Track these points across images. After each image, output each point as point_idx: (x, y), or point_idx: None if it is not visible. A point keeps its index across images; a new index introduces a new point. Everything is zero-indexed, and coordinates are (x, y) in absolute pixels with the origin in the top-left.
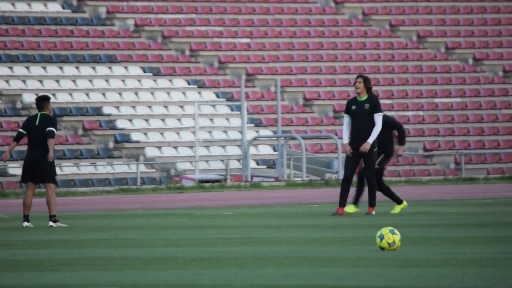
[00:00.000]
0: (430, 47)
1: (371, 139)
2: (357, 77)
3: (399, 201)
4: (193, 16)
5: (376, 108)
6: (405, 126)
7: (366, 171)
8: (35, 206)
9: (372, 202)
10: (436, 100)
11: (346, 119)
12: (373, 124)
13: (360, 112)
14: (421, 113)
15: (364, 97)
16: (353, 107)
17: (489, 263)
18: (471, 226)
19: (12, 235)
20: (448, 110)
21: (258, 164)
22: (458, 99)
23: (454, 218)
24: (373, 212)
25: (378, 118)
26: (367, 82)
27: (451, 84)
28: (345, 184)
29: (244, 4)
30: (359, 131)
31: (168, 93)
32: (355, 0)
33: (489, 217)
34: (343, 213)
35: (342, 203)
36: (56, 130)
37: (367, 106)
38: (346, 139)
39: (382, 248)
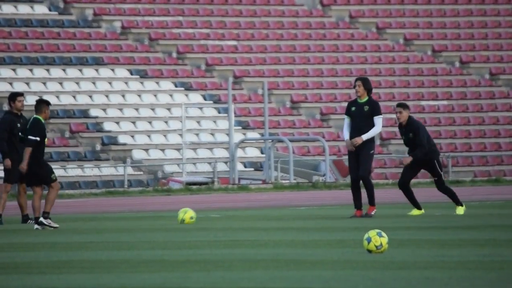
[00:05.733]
0: (417, 50)
1: (366, 136)
2: (356, 80)
3: (458, 203)
4: (180, 18)
5: (376, 111)
6: (391, 129)
7: (361, 171)
8: (17, 208)
9: (371, 202)
10: (423, 102)
11: (346, 120)
12: (371, 126)
13: (359, 114)
14: None
15: (364, 99)
16: (353, 108)
17: (476, 265)
18: (457, 228)
19: None
20: (435, 113)
21: (245, 166)
22: (445, 102)
23: (440, 221)
24: (373, 213)
25: (378, 121)
26: (366, 84)
27: (438, 87)
28: (353, 187)
29: (231, 7)
30: (357, 133)
31: (155, 96)
32: (342, 3)
33: (475, 220)
34: (361, 215)
35: (357, 205)
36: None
37: (366, 108)
38: (347, 136)
39: (370, 251)
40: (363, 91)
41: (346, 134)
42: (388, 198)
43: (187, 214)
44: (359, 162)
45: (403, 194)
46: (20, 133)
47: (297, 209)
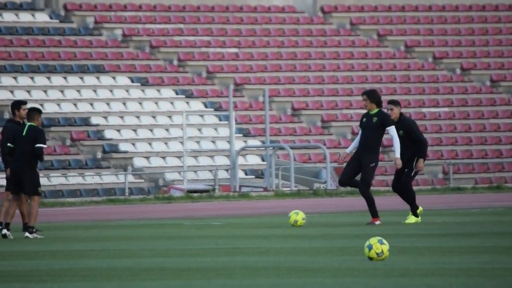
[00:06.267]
0: (418, 57)
1: (398, 154)
2: (362, 95)
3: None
4: (181, 26)
5: (387, 122)
6: None
7: (361, 185)
8: (18, 216)
9: (373, 214)
10: (424, 109)
11: (360, 132)
12: (378, 137)
13: (369, 125)
14: None
15: (374, 111)
16: (364, 119)
17: (477, 273)
18: (458, 236)
19: None
20: (436, 120)
21: (246, 174)
22: (446, 109)
23: (442, 228)
24: (377, 223)
25: (392, 131)
26: (372, 97)
27: (439, 94)
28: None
29: (232, 14)
30: (364, 143)
31: (156, 103)
32: (343, 10)
33: (476, 227)
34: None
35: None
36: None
37: (375, 119)
38: (349, 149)
39: (371, 258)
40: (370, 104)
41: (349, 147)
42: (389, 206)
43: (299, 215)
44: (361, 175)
45: (400, 197)
46: (8, 143)
47: None
